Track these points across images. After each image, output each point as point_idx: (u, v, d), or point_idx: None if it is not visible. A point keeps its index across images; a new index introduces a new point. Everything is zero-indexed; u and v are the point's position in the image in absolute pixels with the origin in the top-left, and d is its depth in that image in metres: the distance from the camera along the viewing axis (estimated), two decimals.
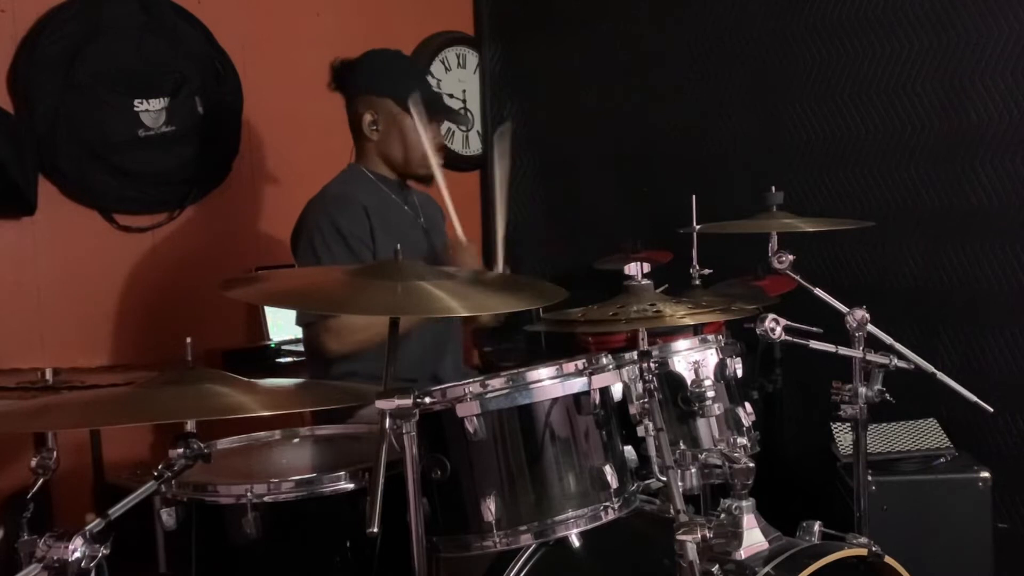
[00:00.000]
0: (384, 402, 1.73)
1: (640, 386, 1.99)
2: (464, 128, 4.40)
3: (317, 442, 2.30)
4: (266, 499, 1.87)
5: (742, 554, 1.89)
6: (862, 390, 2.26)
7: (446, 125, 4.21)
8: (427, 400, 1.80)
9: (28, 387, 2.77)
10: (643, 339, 2.06)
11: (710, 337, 2.37)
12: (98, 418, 2.10)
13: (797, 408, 3.39)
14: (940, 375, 2.31)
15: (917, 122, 3.31)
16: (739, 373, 2.34)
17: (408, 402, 1.73)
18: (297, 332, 3.12)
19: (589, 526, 1.91)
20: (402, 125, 2.85)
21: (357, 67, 2.89)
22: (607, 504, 1.92)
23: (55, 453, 1.78)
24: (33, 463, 1.78)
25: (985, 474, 2.78)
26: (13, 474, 2.91)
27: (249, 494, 1.85)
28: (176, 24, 3.52)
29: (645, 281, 2.22)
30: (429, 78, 4.16)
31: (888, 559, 1.99)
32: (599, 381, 1.94)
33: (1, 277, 3.25)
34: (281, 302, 2.74)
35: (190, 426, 1.76)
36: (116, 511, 1.59)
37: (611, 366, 2.00)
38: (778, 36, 3.60)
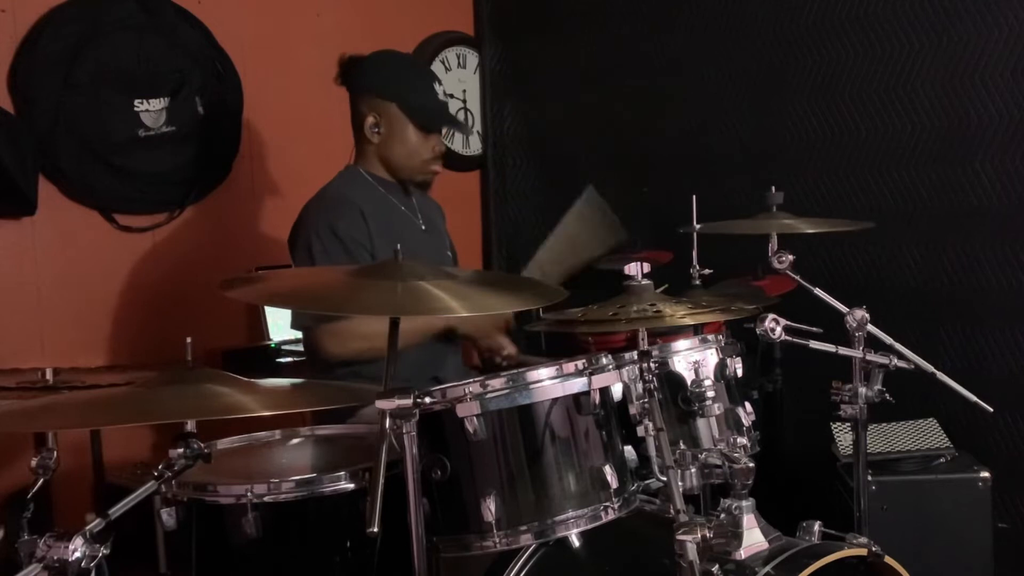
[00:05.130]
0: (384, 402, 1.73)
1: (640, 386, 1.99)
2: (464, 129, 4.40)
3: (317, 442, 2.29)
4: (266, 499, 1.87)
5: (742, 554, 1.90)
6: (862, 390, 2.26)
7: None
8: (427, 400, 1.80)
9: (28, 387, 2.77)
10: (643, 339, 2.06)
11: (710, 337, 2.36)
12: (98, 418, 2.10)
13: (797, 408, 3.39)
14: (940, 375, 2.30)
15: (917, 122, 3.31)
16: (739, 373, 2.34)
17: (408, 402, 1.73)
18: (297, 332, 3.12)
19: (589, 526, 1.91)
20: (404, 131, 2.84)
21: (365, 66, 2.86)
22: (607, 504, 1.92)
23: (55, 453, 1.78)
24: (33, 463, 1.77)
25: (985, 474, 2.78)
26: (13, 474, 2.91)
27: (249, 494, 1.85)
28: (176, 24, 3.52)
29: (645, 281, 2.21)
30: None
31: (888, 559, 1.99)
32: (599, 381, 1.94)
33: (1, 277, 3.25)
34: (281, 302, 2.74)
35: (190, 426, 1.76)
36: (116, 511, 1.59)
37: (611, 366, 2.01)
38: (778, 36, 3.60)
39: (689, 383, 2.19)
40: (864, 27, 3.40)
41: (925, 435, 2.97)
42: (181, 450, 1.71)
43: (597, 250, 3.32)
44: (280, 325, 3.53)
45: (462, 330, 2.84)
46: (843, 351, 2.22)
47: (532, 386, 1.91)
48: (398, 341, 1.90)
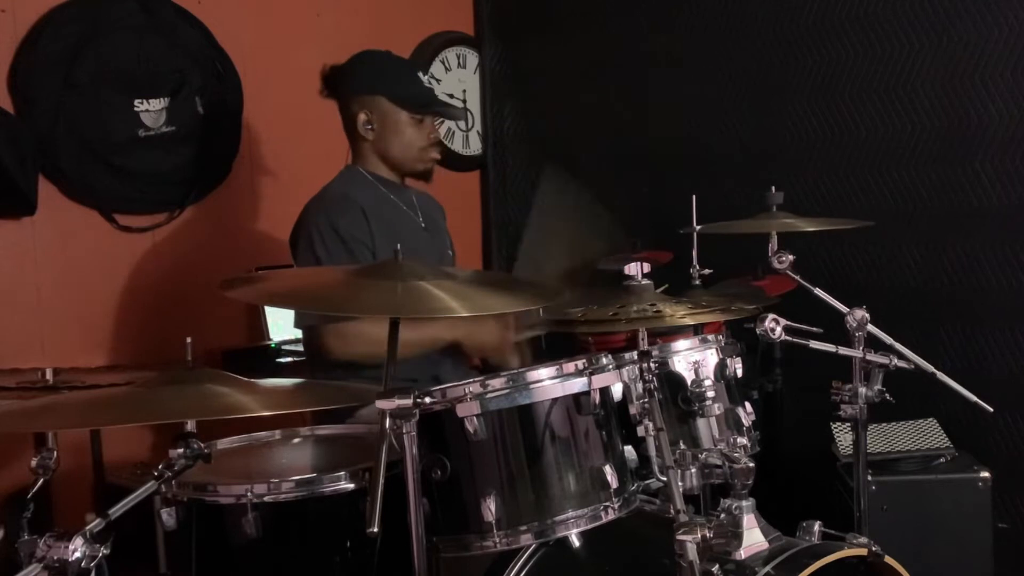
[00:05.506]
0: (384, 402, 1.73)
1: (640, 386, 1.99)
2: (464, 128, 4.40)
3: (317, 442, 2.30)
4: (266, 499, 1.87)
5: (742, 554, 1.89)
6: (862, 390, 2.26)
7: (446, 126, 4.21)
8: (427, 400, 1.80)
9: (28, 387, 2.76)
10: (643, 339, 2.06)
11: (710, 337, 2.36)
12: (98, 418, 2.10)
13: (797, 408, 3.39)
14: (940, 375, 2.30)
15: (917, 122, 3.31)
16: (739, 373, 2.34)
17: (408, 402, 1.73)
18: (297, 332, 3.12)
19: (589, 526, 1.91)
20: (397, 122, 2.85)
21: (348, 69, 2.89)
22: (607, 504, 1.92)
23: (55, 453, 1.78)
24: (33, 463, 1.78)
25: (985, 474, 2.78)
26: (13, 474, 2.91)
27: (249, 494, 1.85)
28: (176, 24, 3.52)
29: (645, 281, 2.21)
30: (429, 77, 4.16)
31: (888, 559, 1.99)
32: (599, 381, 1.94)
33: (1, 277, 3.25)
34: (281, 302, 2.74)
35: (190, 426, 1.76)
36: (116, 511, 1.59)
37: (611, 366, 2.01)
38: (778, 36, 3.60)
39: (689, 383, 2.19)
40: (864, 27, 3.40)
41: (925, 435, 2.97)
42: (181, 450, 1.72)
43: (585, 236, 3.21)
44: (280, 325, 3.53)
45: (468, 345, 2.82)
46: (843, 351, 2.22)
47: (532, 386, 1.91)
48: (400, 350, 1.89)
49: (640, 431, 1.96)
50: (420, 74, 3.15)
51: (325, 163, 2.94)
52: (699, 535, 1.69)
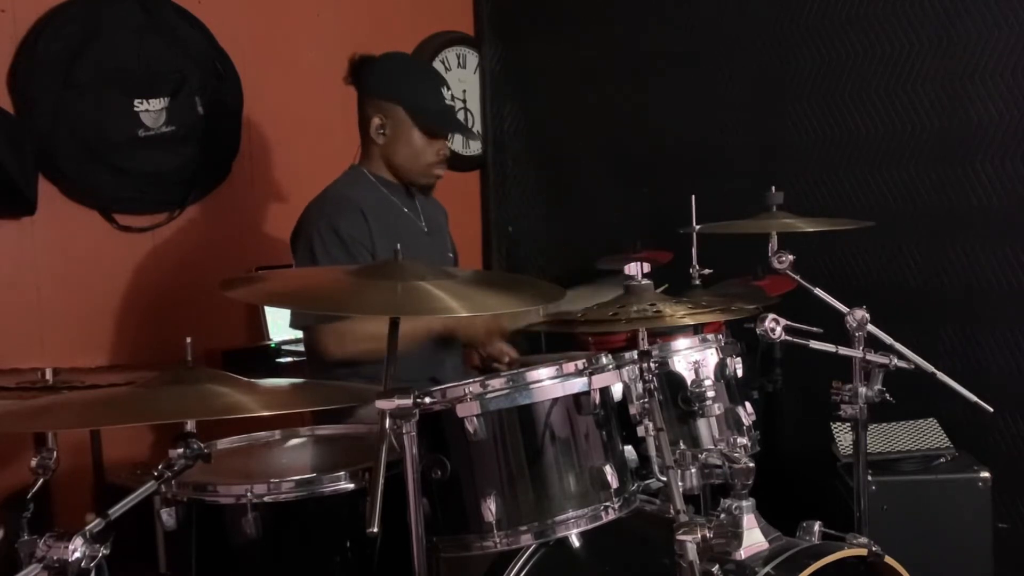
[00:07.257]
0: (384, 402, 1.73)
1: (640, 386, 1.99)
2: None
3: (317, 442, 2.30)
4: (266, 499, 1.88)
5: (742, 554, 1.90)
6: (862, 390, 2.26)
7: None
8: (427, 400, 1.80)
9: (28, 387, 2.76)
10: (643, 339, 2.06)
11: (710, 337, 2.37)
12: (98, 418, 2.10)
13: (797, 408, 3.39)
14: (940, 375, 2.31)
15: (917, 122, 3.31)
16: (739, 373, 2.34)
17: (408, 402, 1.73)
18: (297, 332, 3.12)
19: (589, 526, 1.91)
20: (410, 135, 2.83)
21: (374, 68, 2.85)
22: (607, 504, 1.92)
23: (55, 453, 1.78)
24: (33, 463, 1.78)
25: (985, 474, 2.78)
26: (13, 474, 2.91)
27: (249, 494, 1.85)
28: (176, 24, 3.52)
29: (645, 281, 2.21)
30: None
31: (888, 559, 1.99)
32: (599, 381, 1.94)
33: (1, 277, 3.24)
34: (281, 302, 2.74)
35: (190, 426, 1.76)
36: (116, 511, 1.59)
37: (611, 366, 2.01)
38: (778, 36, 3.60)
39: (689, 383, 2.19)
40: (864, 27, 3.40)
41: (925, 435, 2.97)
42: (181, 450, 1.72)
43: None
44: (280, 325, 3.53)
45: (462, 335, 2.83)
46: (843, 351, 2.22)
47: (532, 386, 1.91)
48: (396, 332, 1.89)
49: (640, 431, 1.96)
50: (444, 89, 3.10)
51: (325, 163, 2.94)
52: (699, 535, 1.69)
